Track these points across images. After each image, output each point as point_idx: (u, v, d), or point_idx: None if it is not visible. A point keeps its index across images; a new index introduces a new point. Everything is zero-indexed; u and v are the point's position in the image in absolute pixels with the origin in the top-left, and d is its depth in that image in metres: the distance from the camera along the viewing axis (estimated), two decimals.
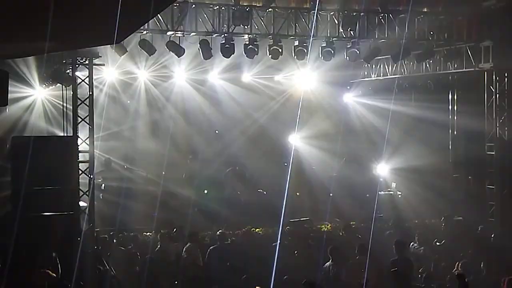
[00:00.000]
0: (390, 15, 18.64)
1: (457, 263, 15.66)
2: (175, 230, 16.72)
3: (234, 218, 18.97)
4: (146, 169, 21.64)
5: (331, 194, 20.80)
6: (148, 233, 17.75)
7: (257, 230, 18.72)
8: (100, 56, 16.82)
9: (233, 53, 17.83)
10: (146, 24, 16.42)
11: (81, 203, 16.21)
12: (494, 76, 19.48)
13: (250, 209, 19.91)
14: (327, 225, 19.47)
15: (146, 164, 21.87)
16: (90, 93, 16.65)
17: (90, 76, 16.61)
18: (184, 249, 15.65)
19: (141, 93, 22.12)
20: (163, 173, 20.55)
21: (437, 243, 18.25)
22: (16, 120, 20.06)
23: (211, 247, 16.06)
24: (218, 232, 16.66)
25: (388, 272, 13.59)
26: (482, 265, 15.85)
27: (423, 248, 16.99)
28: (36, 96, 20.96)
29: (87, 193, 16.29)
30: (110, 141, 21.20)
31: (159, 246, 16.04)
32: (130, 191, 19.57)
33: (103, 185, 19.80)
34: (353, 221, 19.21)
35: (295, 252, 16.44)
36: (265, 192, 21.57)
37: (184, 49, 17.39)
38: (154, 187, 20.02)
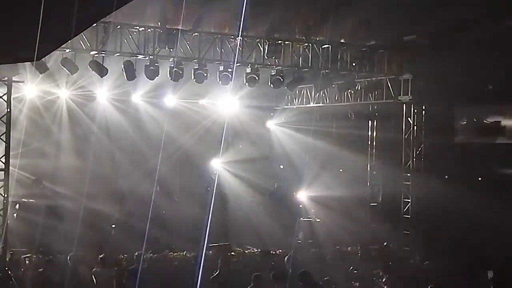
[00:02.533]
0: (314, 45, 19.02)
1: None
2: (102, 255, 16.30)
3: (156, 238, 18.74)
4: (69, 187, 20.99)
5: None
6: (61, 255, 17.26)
7: (174, 254, 18.56)
8: (20, 73, 16.45)
9: (158, 75, 17.77)
10: (69, 42, 16.22)
11: None
12: (412, 108, 20.08)
13: (173, 229, 19.69)
14: (245, 251, 19.51)
15: (68, 182, 21.21)
16: (8, 110, 16.21)
17: (8, 93, 16.19)
18: (93, 274, 15.27)
19: (63, 112, 21.57)
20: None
21: (354, 271, 18.53)
22: None
23: (129, 268, 15.84)
24: (136, 254, 16.39)
25: None
26: None
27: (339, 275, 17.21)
28: None
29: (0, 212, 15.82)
30: (31, 158, 20.53)
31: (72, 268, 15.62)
32: (51, 210, 19.01)
33: (17, 204, 19.17)
34: (273, 248, 19.31)
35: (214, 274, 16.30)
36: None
37: (107, 69, 17.20)
38: (75, 205, 19.47)
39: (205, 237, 16.60)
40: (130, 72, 17.50)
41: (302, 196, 22.58)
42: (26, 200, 19.43)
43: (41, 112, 21.24)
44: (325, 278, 14.99)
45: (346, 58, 19.50)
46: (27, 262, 16.41)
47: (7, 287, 14.28)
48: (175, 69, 17.83)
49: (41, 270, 15.56)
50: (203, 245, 16.36)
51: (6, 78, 16.09)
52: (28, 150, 20.00)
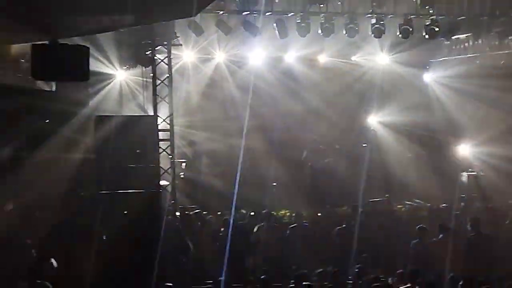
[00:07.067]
0: None
1: None
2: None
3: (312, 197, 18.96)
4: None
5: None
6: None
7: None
8: (178, 37, 17.07)
9: (309, 32, 17.78)
10: (223, 4, 16.65)
11: (162, 182, 16.49)
12: None
13: (327, 187, 19.86)
14: (405, 206, 19.32)
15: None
16: (169, 73, 16.93)
17: (168, 56, 16.91)
18: (257, 229, 15.71)
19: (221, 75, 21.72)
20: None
21: None
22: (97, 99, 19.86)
23: (291, 226, 16.24)
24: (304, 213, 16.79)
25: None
26: None
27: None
28: (116, 77, 20.65)
29: (168, 171, 16.60)
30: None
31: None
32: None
33: (183, 164, 20.01)
34: (432, 202, 19.06)
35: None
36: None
37: (259, 29, 17.42)
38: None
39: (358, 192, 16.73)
40: (283, 31, 17.65)
41: (465, 149, 21.82)
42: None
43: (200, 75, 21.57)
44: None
45: (504, 0, 18.49)
46: (199, 223, 17.00)
47: (175, 240, 14.91)
48: (326, 25, 17.78)
49: (222, 229, 15.96)
50: (361, 200, 16.53)
51: (165, 43, 16.81)
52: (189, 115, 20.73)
